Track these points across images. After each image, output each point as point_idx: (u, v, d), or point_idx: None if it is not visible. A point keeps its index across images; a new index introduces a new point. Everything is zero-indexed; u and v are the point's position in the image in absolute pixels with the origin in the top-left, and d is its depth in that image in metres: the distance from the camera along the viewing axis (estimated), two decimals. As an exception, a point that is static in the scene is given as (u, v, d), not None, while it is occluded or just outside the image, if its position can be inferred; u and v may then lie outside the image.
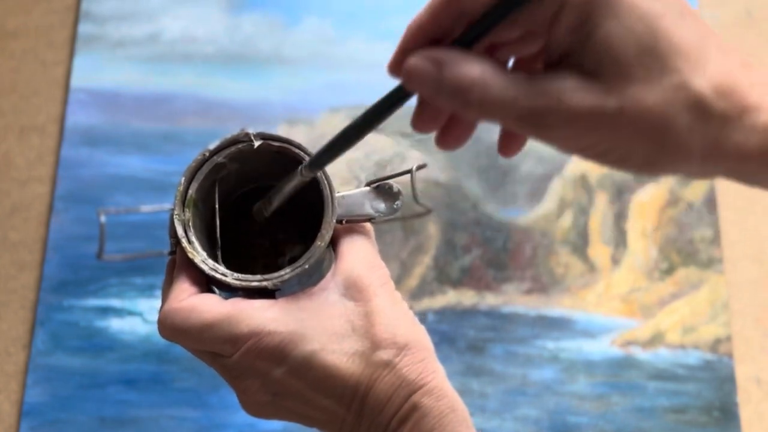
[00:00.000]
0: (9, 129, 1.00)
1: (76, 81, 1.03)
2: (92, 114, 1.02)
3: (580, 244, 0.98)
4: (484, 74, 0.45)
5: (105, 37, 1.05)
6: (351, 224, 0.61)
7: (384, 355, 0.57)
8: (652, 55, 0.44)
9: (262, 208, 0.61)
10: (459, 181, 1.00)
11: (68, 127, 1.01)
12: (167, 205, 0.61)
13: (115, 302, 0.94)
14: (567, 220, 0.99)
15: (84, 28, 1.05)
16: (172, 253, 0.61)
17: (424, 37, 0.48)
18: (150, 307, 0.93)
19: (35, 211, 0.97)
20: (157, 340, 0.92)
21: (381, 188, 0.62)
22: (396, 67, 0.49)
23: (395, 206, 0.61)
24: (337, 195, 0.60)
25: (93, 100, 1.02)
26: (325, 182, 0.60)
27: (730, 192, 0.99)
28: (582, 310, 0.95)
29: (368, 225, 0.62)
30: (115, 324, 0.93)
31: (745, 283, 0.95)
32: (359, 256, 0.60)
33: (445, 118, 0.51)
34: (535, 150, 1.02)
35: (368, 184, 0.62)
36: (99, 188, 0.98)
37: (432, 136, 0.52)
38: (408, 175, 0.63)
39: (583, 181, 1.00)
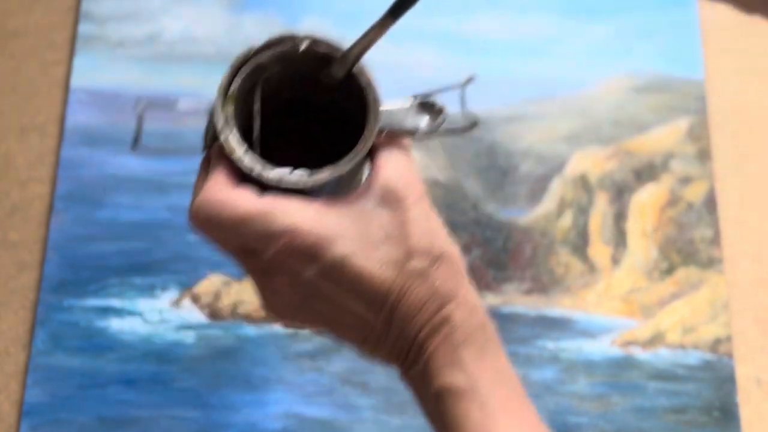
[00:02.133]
0: (9, 129, 1.00)
1: (76, 81, 1.03)
2: (92, 114, 1.02)
3: (580, 244, 0.98)
4: None
5: (105, 37, 1.05)
6: (390, 137, 0.60)
7: (418, 264, 0.57)
8: None
9: (338, 67, 0.60)
10: (459, 181, 1.00)
11: (68, 127, 1.01)
12: (205, 104, 0.60)
13: (115, 302, 0.94)
14: (567, 220, 0.99)
15: (84, 28, 1.05)
16: (207, 148, 0.59)
17: None
18: (150, 307, 0.93)
19: (35, 211, 0.97)
20: (157, 340, 0.92)
21: (424, 104, 0.60)
22: None
23: (437, 122, 0.60)
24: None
25: (93, 100, 1.02)
26: (371, 89, 0.59)
27: (730, 192, 0.99)
28: (582, 310, 0.95)
29: (406, 141, 0.61)
30: (115, 324, 0.93)
31: (745, 283, 0.95)
32: (398, 169, 0.59)
33: None
34: (535, 150, 1.02)
35: (412, 99, 0.60)
36: (99, 188, 0.98)
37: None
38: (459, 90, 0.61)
39: (583, 181, 1.00)
